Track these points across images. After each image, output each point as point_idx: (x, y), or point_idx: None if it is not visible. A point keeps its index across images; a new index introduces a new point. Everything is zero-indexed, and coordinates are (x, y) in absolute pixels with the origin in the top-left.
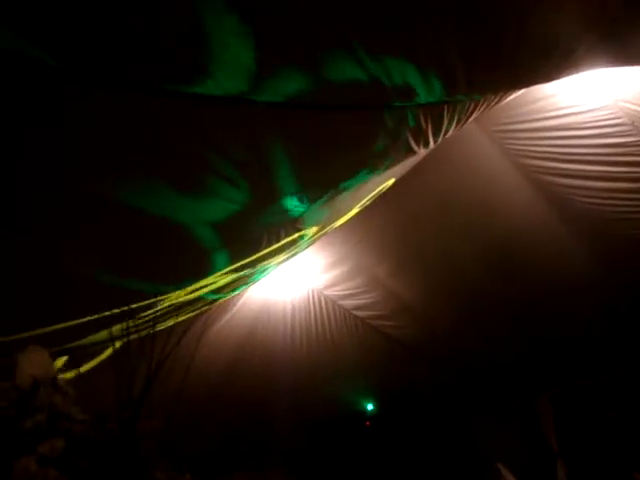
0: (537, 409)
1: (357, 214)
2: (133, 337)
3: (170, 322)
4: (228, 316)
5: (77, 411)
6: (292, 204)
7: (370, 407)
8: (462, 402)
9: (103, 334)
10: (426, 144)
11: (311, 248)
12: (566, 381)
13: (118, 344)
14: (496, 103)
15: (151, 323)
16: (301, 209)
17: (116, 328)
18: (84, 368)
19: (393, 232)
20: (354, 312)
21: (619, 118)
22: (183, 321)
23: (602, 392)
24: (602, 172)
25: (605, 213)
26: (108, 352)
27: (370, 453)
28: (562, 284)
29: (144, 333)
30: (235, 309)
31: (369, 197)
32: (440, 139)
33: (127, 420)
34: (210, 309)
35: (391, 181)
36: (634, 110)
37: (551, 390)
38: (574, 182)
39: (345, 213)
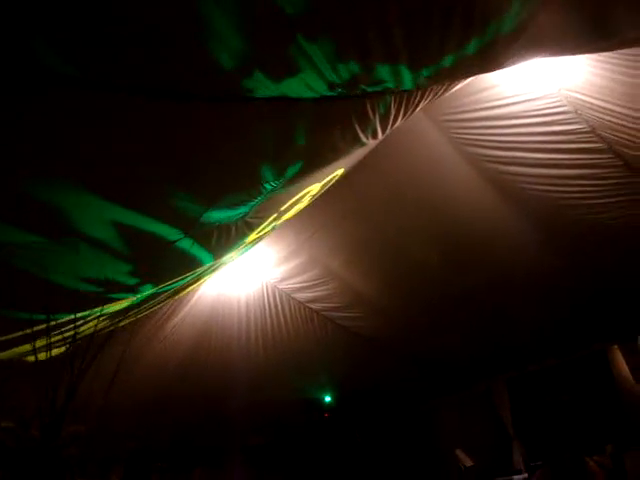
0: (493, 394)
1: (308, 206)
2: (57, 345)
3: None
4: (182, 313)
5: None
6: (249, 196)
7: (328, 399)
8: (420, 390)
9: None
10: (374, 135)
11: (264, 242)
12: (521, 366)
13: (40, 353)
14: (443, 92)
15: (73, 330)
16: (254, 200)
17: (40, 339)
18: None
19: (346, 224)
20: (309, 305)
21: (563, 106)
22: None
23: (555, 377)
24: (548, 159)
25: (553, 199)
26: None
27: (329, 445)
28: (514, 270)
29: (68, 341)
30: (189, 305)
31: (318, 186)
32: (388, 129)
33: (49, 426)
34: (161, 308)
35: (340, 171)
36: (577, 98)
37: (507, 375)
38: (520, 169)
39: (292, 204)
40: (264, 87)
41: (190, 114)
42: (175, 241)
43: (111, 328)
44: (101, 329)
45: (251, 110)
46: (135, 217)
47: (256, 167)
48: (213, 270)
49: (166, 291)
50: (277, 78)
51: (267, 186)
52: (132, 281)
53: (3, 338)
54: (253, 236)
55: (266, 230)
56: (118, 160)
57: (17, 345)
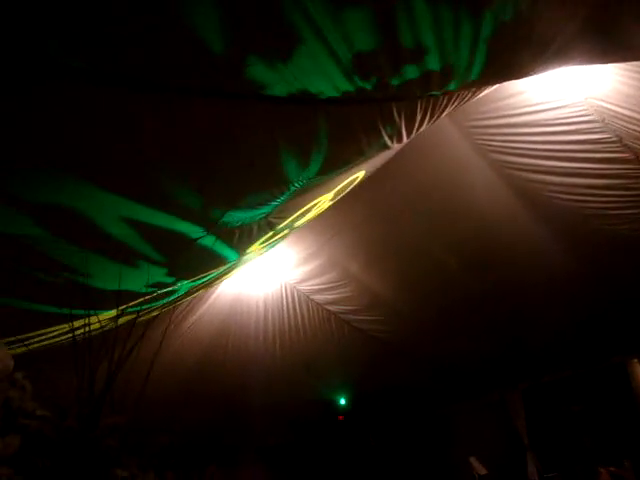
0: (508, 404)
1: (330, 208)
2: (95, 331)
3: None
4: (201, 311)
5: (35, 407)
6: (271, 195)
7: (343, 401)
8: (435, 396)
9: (63, 327)
10: (399, 139)
11: (284, 242)
12: (537, 376)
13: (79, 337)
14: (469, 99)
15: (114, 318)
16: (278, 201)
17: (77, 322)
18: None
19: (366, 227)
20: (327, 307)
21: (589, 115)
22: (153, 317)
23: (571, 388)
24: (573, 168)
25: (577, 208)
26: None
27: (343, 448)
28: (534, 278)
29: (108, 327)
30: (208, 304)
31: (338, 189)
32: (414, 134)
33: (87, 416)
34: (182, 304)
35: (362, 173)
36: (604, 107)
37: (522, 385)
38: (545, 177)
39: (314, 205)
40: (274, 76)
41: (209, 111)
42: (197, 239)
43: (150, 316)
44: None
45: (273, 108)
46: (155, 215)
47: (280, 167)
48: (237, 267)
49: (197, 284)
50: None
51: (290, 186)
52: (169, 280)
53: (45, 331)
54: (274, 236)
55: (287, 231)
56: (135, 159)
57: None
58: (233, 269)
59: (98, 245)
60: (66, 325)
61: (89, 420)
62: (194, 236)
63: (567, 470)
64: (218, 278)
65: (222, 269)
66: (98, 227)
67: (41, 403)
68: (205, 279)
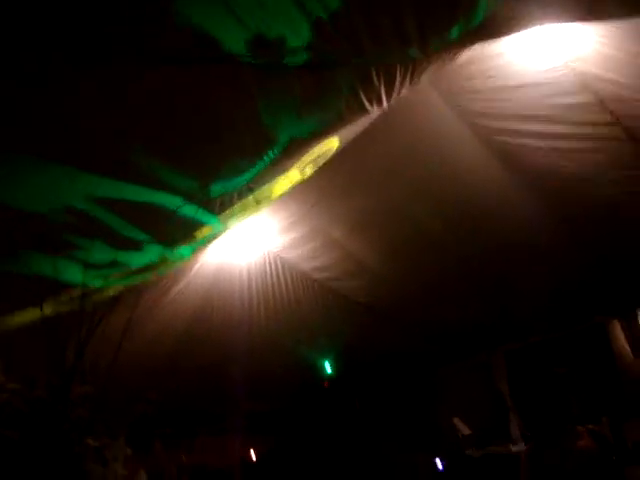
0: (492, 366)
1: (311, 177)
2: (65, 307)
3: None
4: (184, 281)
5: (2, 380)
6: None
7: (328, 368)
8: (420, 359)
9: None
10: (379, 102)
11: (266, 211)
12: (519, 338)
13: (48, 311)
14: (449, 62)
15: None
16: (257, 168)
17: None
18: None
19: (350, 194)
20: (311, 274)
21: (571, 77)
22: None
23: (553, 349)
24: (554, 131)
25: (558, 172)
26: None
27: (329, 413)
28: (517, 241)
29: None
30: (191, 274)
31: (317, 156)
32: (393, 97)
33: (57, 387)
34: (165, 276)
35: (336, 142)
36: (585, 70)
37: (505, 347)
38: (525, 141)
39: (293, 172)
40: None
41: (181, 78)
42: (177, 208)
43: (121, 289)
44: (109, 291)
45: (253, 75)
46: (125, 190)
47: (258, 131)
48: (220, 233)
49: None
50: None
51: (269, 152)
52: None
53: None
54: (256, 203)
55: (268, 197)
56: (104, 131)
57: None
58: (216, 236)
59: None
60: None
61: (59, 391)
62: (173, 206)
63: (548, 429)
64: (202, 246)
65: (205, 236)
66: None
67: (11, 377)
68: (189, 247)
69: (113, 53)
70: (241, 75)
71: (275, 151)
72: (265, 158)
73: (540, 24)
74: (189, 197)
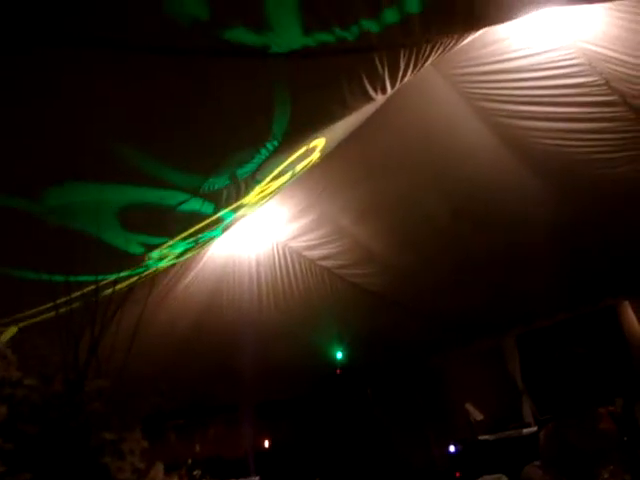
0: (503, 349)
1: (318, 165)
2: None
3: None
4: (193, 273)
5: (19, 376)
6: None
7: (340, 355)
8: (431, 345)
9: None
10: (383, 89)
11: (273, 200)
12: (530, 322)
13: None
14: (453, 46)
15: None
16: (261, 157)
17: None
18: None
19: (357, 180)
20: (320, 262)
21: (576, 58)
22: (143, 282)
23: (564, 332)
24: (561, 113)
25: (565, 154)
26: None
27: (341, 401)
28: (526, 225)
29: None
30: (200, 266)
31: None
32: (398, 84)
33: (72, 381)
34: (173, 268)
35: (322, 141)
36: (591, 50)
37: (516, 330)
38: (532, 124)
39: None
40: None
41: (179, 71)
42: (181, 203)
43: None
44: (121, 285)
45: (249, 62)
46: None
47: (262, 123)
48: (229, 224)
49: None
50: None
51: (274, 142)
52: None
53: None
54: (264, 191)
55: (276, 186)
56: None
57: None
58: (225, 227)
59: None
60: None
61: (74, 385)
62: (177, 201)
63: (562, 412)
64: (210, 239)
65: (215, 228)
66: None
67: (27, 372)
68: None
69: (98, 41)
70: (237, 65)
71: (275, 142)
72: (265, 149)
73: (548, 6)
74: (192, 191)
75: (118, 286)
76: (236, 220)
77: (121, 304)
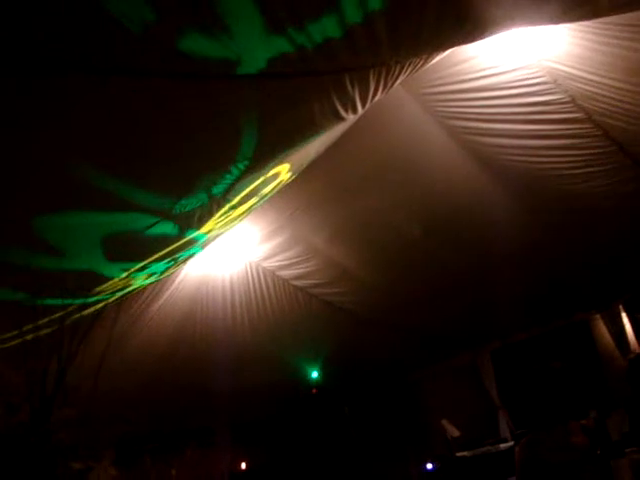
0: (478, 365)
1: (289, 185)
2: (45, 331)
3: (99, 305)
4: (167, 294)
5: None
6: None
7: (316, 374)
8: (406, 362)
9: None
10: (354, 109)
11: (246, 220)
12: (504, 337)
13: (29, 336)
14: (422, 65)
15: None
16: (231, 179)
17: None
18: None
19: (329, 200)
20: (293, 282)
21: (542, 77)
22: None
23: (538, 346)
24: (528, 130)
25: (533, 170)
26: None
27: (318, 420)
28: (496, 241)
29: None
30: (173, 287)
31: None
32: (368, 104)
33: (39, 411)
34: (146, 289)
35: (285, 167)
36: (556, 69)
37: (490, 345)
38: (500, 141)
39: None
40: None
41: (147, 94)
42: (151, 225)
43: (100, 306)
44: (89, 310)
45: (221, 87)
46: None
47: (231, 144)
48: (202, 245)
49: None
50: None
51: (244, 162)
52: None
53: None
54: (236, 212)
55: (249, 206)
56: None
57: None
58: (198, 248)
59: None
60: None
61: (41, 414)
62: (147, 224)
63: (538, 427)
64: (185, 260)
65: (187, 250)
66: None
67: None
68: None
69: (61, 64)
70: (202, 87)
71: (245, 162)
72: (236, 169)
73: (515, 27)
74: (163, 214)
75: (86, 311)
76: (210, 240)
77: (89, 329)
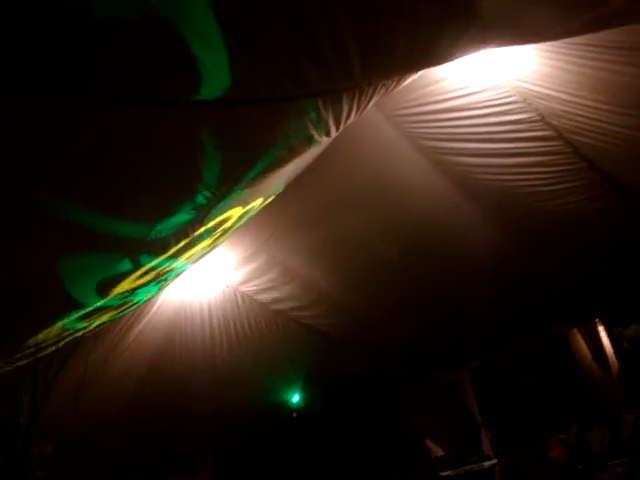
0: (459, 384)
1: (264, 210)
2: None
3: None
4: (146, 320)
5: None
6: (201, 200)
7: (296, 398)
8: (387, 384)
9: None
10: (327, 132)
11: (223, 244)
12: (484, 354)
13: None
14: (394, 87)
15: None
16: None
17: None
18: None
19: (304, 224)
20: (272, 306)
21: (512, 96)
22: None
23: (518, 363)
24: (499, 149)
25: (505, 188)
26: None
27: (299, 443)
28: (471, 259)
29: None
30: (152, 312)
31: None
32: (342, 126)
33: (14, 448)
34: (123, 318)
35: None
36: (526, 88)
37: (470, 364)
38: (472, 160)
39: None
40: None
41: (115, 122)
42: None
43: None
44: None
45: (190, 113)
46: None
47: (201, 173)
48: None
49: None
50: None
51: (210, 189)
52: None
53: None
54: (213, 237)
55: (226, 230)
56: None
57: None
58: (175, 276)
59: None
60: None
61: (16, 452)
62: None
63: (520, 443)
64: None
65: (162, 277)
66: None
67: None
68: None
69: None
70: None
71: (211, 189)
72: (202, 197)
73: (484, 49)
74: (133, 242)
75: (62, 343)
76: (186, 267)
77: (66, 359)
